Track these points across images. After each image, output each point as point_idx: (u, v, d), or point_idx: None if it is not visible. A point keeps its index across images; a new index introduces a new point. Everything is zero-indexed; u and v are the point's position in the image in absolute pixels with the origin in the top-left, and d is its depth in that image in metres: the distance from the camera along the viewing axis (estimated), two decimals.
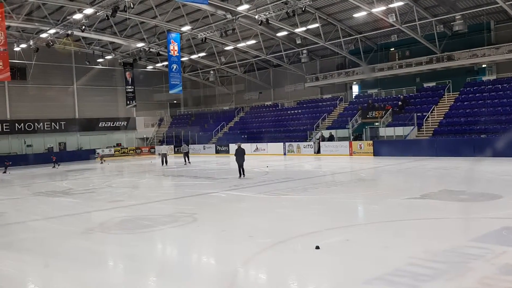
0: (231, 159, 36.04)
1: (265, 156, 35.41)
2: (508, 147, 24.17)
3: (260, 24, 32.59)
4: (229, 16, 33.45)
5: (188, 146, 35.37)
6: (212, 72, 48.92)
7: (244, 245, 8.29)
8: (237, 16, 33.35)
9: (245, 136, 42.32)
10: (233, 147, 40.95)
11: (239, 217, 11.46)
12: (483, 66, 33.85)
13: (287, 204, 13.01)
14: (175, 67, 38.57)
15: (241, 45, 40.05)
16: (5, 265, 7.96)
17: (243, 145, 21.73)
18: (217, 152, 42.64)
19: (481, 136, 27.29)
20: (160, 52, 42.25)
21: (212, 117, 51.82)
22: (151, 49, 41.53)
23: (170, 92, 40.07)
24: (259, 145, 38.79)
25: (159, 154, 36.39)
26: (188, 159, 32.26)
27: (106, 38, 40.48)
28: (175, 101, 55.95)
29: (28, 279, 7.25)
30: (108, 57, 45.45)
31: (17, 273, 7.53)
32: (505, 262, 6.48)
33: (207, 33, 36.26)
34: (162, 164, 30.83)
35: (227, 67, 47.18)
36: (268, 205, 12.90)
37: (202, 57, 44.81)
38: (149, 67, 50.21)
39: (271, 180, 18.61)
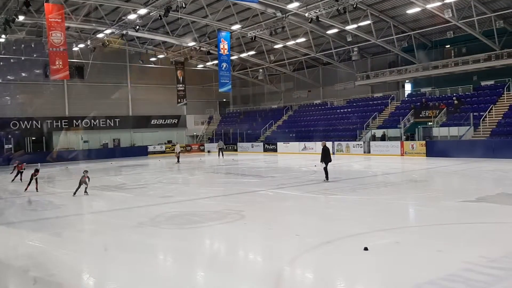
0: (279, 158, 36.18)
1: (313, 155, 35.13)
2: None
3: (310, 22, 32.33)
4: (278, 14, 33.39)
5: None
6: (261, 70, 49.08)
7: (291, 244, 8.27)
8: (286, 14, 33.23)
9: (293, 135, 42.17)
10: (281, 145, 41.01)
11: (286, 215, 11.43)
12: None
13: (335, 204, 12.85)
14: (224, 65, 39.00)
15: (290, 43, 39.90)
16: (65, 254, 8.36)
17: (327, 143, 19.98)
18: (265, 150, 42.75)
19: None
20: (211, 51, 42.87)
21: (261, 115, 51.98)
22: (201, 48, 42.22)
23: (220, 90, 40.57)
24: (308, 144, 38.55)
25: (217, 148, 40.18)
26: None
27: (158, 37, 41.57)
28: (224, 100, 56.61)
29: (85, 268, 7.58)
30: (161, 56, 46.66)
31: (76, 262, 7.88)
32: None
33: (257, 31, 36.39)
34: (219, 156, 36.28)
35: (276, 65, 47.17)
36: (316, 205, 12.79)
37: (251, 56, 45.03)
38: (200, 66, 51.08)
39: (319, 179, 18.42)
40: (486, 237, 8.35)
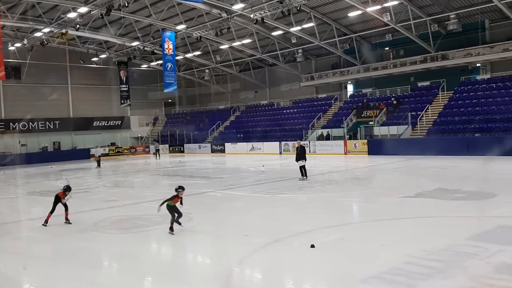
0: (227, 158, 36.13)
1: (260, 156, 35.39)
2: (502, 146, 24.28)
3: (255, 23, 32.55)
4: (224, 15, 33.38)
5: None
6: (207, 70, 48.84)
7: (240, 244, 8.27)
8: (232, 15, 33.29)
9: (241, 136, 42.27)
10: (229, 146, 40.99)
11: (235, 216, 11.43)
12: (478, 65, 33.94)
13: (283, 203, 13.00)
14: (169, 65, 38.48)
15: (236, 44, 40.00)
16: (2, 264, 7.90)
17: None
18: (213, 151, 42.56)
19: (475, 135, 27.40)
20: (155, 51, 42.13)
21: (208, 116, 51.71)
22: (145, 48, 41.38)
23: (165, 91, 40.00)
24: (255, 144, 38.77)
25: (153, 151, 41.38)
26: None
27: (100, 37, 40.32)
28: (169, 100, 55.78)
29: (23, 279, 7.19)
30: (103, 56, 45.26)
31: (13, 272, 7.47)
32: (501, 261, 6.49)
33: (202, 31, 36.18)
34: (156, 158, 37.51)
35: (222, 66, 47.11)
36: (264, 204, 12.88)
37: (197, 56, 44.71)
38: (144, 66, 50.05)
39: (267, 179, 18.59)
40: (426, 231, 8.75)
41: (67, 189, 10.59)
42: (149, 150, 46.70)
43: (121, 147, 47.81)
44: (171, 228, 9.18)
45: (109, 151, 45.84)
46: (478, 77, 33.75)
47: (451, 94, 32.82)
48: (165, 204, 9.24)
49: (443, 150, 26.00)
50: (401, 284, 5.78)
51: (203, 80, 51.77)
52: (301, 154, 17.51)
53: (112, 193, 17.20)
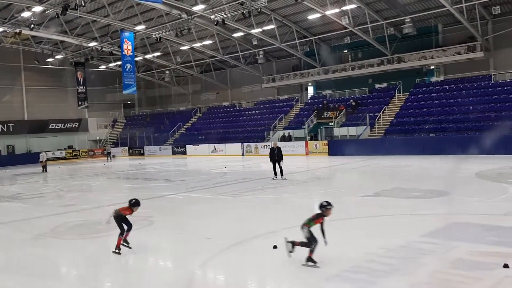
0: (189, 160, 35.82)
1: (223, 157, 35.30)
2: (455, 146, 25.26)
3: (216, 25, 32.45)
4: (184, 15, 33.10)
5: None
6: (167, 72, 48.28)
7: (202, 247, 8.21)
8: (192, 16, 33.06)
9: (203, 137, 42.05)
10: (190, 148, 40.64)
11: (197, 219, 11.34)
12: (432, 67, 35.23)
13: (245, 205, 13.01)
14: (129, 66, 37.78)
15: (197, 45, 39.74)
16: None
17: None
18: (174, 153, 42.11)
19: (430, 135, 28.38)
20: (113, 52, 41.21)
21: (168, 117, 51.11)
22: (103, 48, 40.43)
23: (124, 92, 39.23)
24: (217, 146, 38.64)
25: (107, 153, 41.32)
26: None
27: (56, 37, 39.05)
28: (129, 102, 54.77)
29: None
30: (59, 56, 43.90)
31: None
32: (456, 257, 6.75)
33: (162, 32, 35.73)
34: (107, 160, 37.95)
35: (183, 67, 46.68)
36: (226, 206, 12.85)
37: (157, 57, 44.12)
38: (102, 67, 48.87)
39: (229, 181, 18.56)
40: (385, 229, 8.98)
41: (136, 203, 8.10)
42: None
43: (79, 150, 46.51)
44: (310, 259, 6.68)
45: (66, 154, 44.52)
46: (432, 79, 35.03)
47: (407, 96, 33.87)
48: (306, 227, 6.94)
49: (400, 150, 26.78)
50: (362, 282, 5.90)
51: (163, 82, 51.13)
52: (279, 155, 17.86)
53: (69, 197, 16.70)
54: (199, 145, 40.33)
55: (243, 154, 36.40)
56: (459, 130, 27.62)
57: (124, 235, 8.03)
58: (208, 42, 39.14)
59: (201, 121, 47.23)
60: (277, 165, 17.94)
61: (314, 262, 6.63)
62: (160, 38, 36.53)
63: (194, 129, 45.70)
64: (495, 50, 31.98)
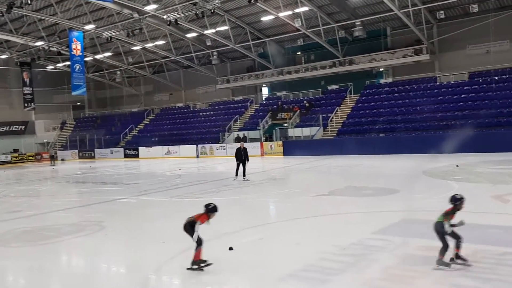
0: (142, 163, 35.11)
1: (177, 159, 34.88)
2: (404, 145, 26.20)
3: (169, 25, 32.05)
4: (136, 15, 32.46)
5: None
6: (118, 72, 47.16)
7: (156, 251, 8.05)
8: (144, 16, 32.48)
9: (156, 139, 41.37)
10: (143, 150, 39.86)
11: (150, 223, 11.11)
12: (381, 69, 36.37)
13: (201, 207, 12.86)
14: (78, 67, 36.62)
15: (149, 45, 39.08)
16: None
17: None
18: (126, 156, 41.16)
19: (380, 135, 29.27)
20: (62, 52, 39.80)
21: (120, 119, 49.92)
22: (51, 48, 38.96)
23: (73, 93, 38.03)
24: (171, 147, 38.13)
25: (50, 156, 40.24)
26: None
27: (0, 36, 37.27)
28: (78, 103, 53.05)
29: None
30: (3, 56, 41.87)
31: None
32: (406, 252, 6.97)
33: (113, 32, 34.88)
34: (51, 164, 36.83)
35: (135, 67, 45.76)
36: (181, 209, 12.66)
37: (108, 57, 43.02)
38: (50, 67, 47.06)
39: (184, 183, 18.35)
40: (338, 227, 9.15)
41: (214, 209, 6.99)
42: (56, 157, 44.09)
43: (25, 154, 44.56)
44: (457, 257, 6.11)
45: (11, 158, 42.54)
46: (382, 81, 36.16)
47: (358, 97, 34.77)
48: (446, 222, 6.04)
49: (352, 150, 27.44)
50: (315, 280, 5.97)
51: (114, 82, 49.92)
52: (245, 156, 17.90)
53: (15, 203, 15.93)
54: (152, 147, 39.64)
55: (197, 156, 36.11)
56: (407, 130, 28.64)
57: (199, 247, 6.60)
58: (160, 42, 38.59)
59: (154, 123, 46.45)
60: (241, 165, 17.91)
61: (464, 260, 6.09)
62: (111, 38, 35.65)
63: (147, 131, 44.88)
64: (440, 53, 33.44)
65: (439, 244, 6.05)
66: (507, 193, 11.66)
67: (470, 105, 28.32)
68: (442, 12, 30.68)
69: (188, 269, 6.48)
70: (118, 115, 51.28)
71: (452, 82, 31.65)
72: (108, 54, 41.74)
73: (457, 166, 18.31)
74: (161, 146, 38.97)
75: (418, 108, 30.23)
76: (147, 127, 46.06)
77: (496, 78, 29.27)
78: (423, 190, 13.37)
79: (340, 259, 6.79)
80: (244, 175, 17.81)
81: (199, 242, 6.54)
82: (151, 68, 46.43)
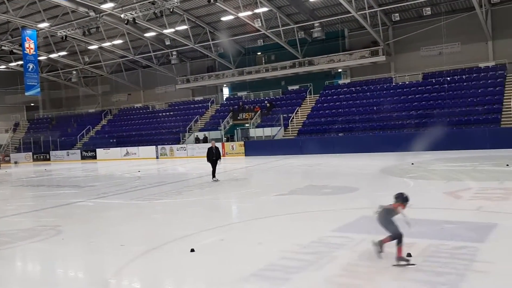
0: (100, 165, 34.26)
1: (136, 161, 34.27)
2: (362, 145, 26.81)
3: (126, 24, 31.47)
4: (92, 13, 31.67)
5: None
6: (74, 72, 45.86)
7: (115, 254, 7.88)
8: (101, 14, 31.74)
9: (114, 140, 40.49)
10: (101, 152, 38.92)
11: (109, 226, 10.87)
12: (339, 70, 37.07)
13: (161, 209, 12.71)
14: (31, 66, 35.30)
15: (106, 44, 38.21)
16: None
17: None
18: (83, 158, 40.08)
19: (339, 134, 29.84)
20: (14, 51, 38.26)
21: (76, 120, 48.55)
22: (3, 47, 37.36)
23: (26, 93, 36.63)
24: (130, 149, 37.42)
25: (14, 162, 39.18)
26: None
27: None
28: (32, 104, 51.18)
29: None
30: None
31: None
32: (364, 249, 7.12)
33: (68, 30, 33.90)
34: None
35: (91, 67, 44.61)
36: (141, 211, 12.46)
37: (63, 56, 41.74)
38: (1, 67, 45.13)
39: (143, 185, 18.05)
40: (299, 226, 9.25)
41: (407, 198, 6.46)
42: (9, 159, 42.35)
43: None
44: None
45: None
46: (340, 82, 36.88)
47: (318, 97, 35.32)
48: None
49: (312, 149, 27.86)
50: (276, 279, 6.02)
51: (70, 82, 48.49)
52: (217, 155, 17.52)
53: None
54: (111, 148, 38.78)
55: (157, 157, 35.63)
56: (365, 129, 29.34)
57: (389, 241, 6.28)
58: (118, 41, 37.82)
59: (112, 124, 45.44)
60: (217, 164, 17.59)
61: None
62: (66, 36, 34.63)
63: (104, 132, 43.85)
64: (395, 55, 34.46)
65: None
66: (459, 189, 12.15)
67: (424, 105, 29.34)
68: (397, 14, 31.66)
69: (394, 265, 6.11)
70: (74, 116, 49.85)
71: (407, 82, 32.67)
72: (63, 53, 40.51)
73: (412, 164, 18.92)
74: (119, 148, 38.18)
75: (375, 108, 31.03)
76: (104, 128, 44.99)
77: (448, 78, 30.47)
78: (381, 188, 13.74)
79: (301, 257, 6.87)
80: (213, 176, 17.51)
81: (399, 236, 6.17)
82: (108, 68, 45.40)
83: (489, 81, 29.05)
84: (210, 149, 17.83)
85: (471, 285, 5.47)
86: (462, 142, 23.68)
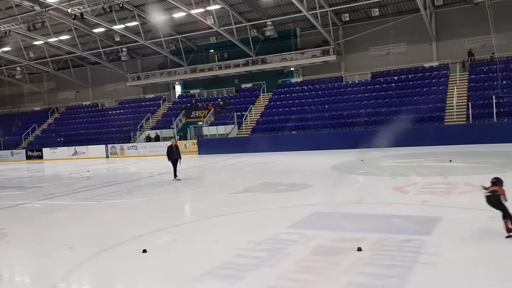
0: (46, 165, 32.93)
1: (85, 160, 33.24)
2: (314, 142, 27.30)
3: (74, 19, 30.41)
4: (37, 8, 30.36)
5: None
6: (18, 68, 43.80)
7: (64, 257, 7.61)
8: (46, 9, 30.50)
9: (62, 139, 39.06)
10: (47, 151, 37.42)
11: (57, 228, 10.47)
12: (292, 69, 37.53)
13: (111, 210, 12.40)
14: None
15: (52, 40, 36.77)
16: None
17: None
18: (29, 158, 38.40)
19: (292, 132, 30.22)
20: None
21: (21, 118, 46.42)
22: None
23: None
24: (78, 148, 36.23)
25: None
26: None
27: None
28: None
29: None
30: None
31: None
32: (317, 244, 7.27)
33: (12, 25, 32.31)
34: None
35: (37, 63, 42.77)
36: (90, 213, 12.09)
37: (6, 52, 39.79)
38: None
39: (93, 185, 17.53)
40: (253, 224, 9.30)
41: (502, 181, 7.13)
42: None
43: None
44: None
45: None
46: (293, 80, 37.33)
47: (271, 96, 35.59)
48: None
49: (266, 147, 28.03)
50: (231, 277, 6.02)
51: (14, 79, 46.26)
52: (177, 153, 17.03)
53: None
54: (58, 148, 37.39)
55: (107, 156, 34.70)
56: (317, 127, 29.88)
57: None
58: (65, 37, 36.49)
59: (59, 122, 43.82)
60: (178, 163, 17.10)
61: None
62: (10, 31, 32.99)
63: (51, 131, 42.21)
64: (345, 54, 35.29)
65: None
66: (406, 184, 12.63)
67: (373, 104, 30.24)
68: (347, 15, 32.40)
69: (507, 237, 6.79)
70: (18, 114, 47.65)
71: (357, 81, 33.54)
72: (6, 48, 38.64)
73: (362, 160, 19.48)
74: (67, 147, 36.87)
75: (326, 106, 31.66)
76: (51, 127, 43.31)
77: (395, 78, 31.57)
78: (333, 184, 14.06)
79: (256, 255, 6.91)
80: (176, 175, 17.03)
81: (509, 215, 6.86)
82: (55, 64, 43.69)
83: (433, 81, 30.35)
84: (170, 148, 17.31)
85: (418, 276, 5.70)
86: (409, 140, 24.56)
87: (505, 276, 5.58)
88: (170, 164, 17.45)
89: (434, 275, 5.70)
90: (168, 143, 30.85)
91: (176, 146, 17.50)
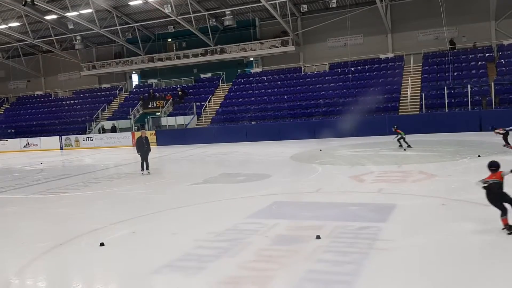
0: None
1: (38, 152, 32.06)
2: (273, 132, 27.48)
3: (24, 5, 29.08)
4: None
5: None
6: None
7: (17, 253, 7.35)
8: None
9: (12, 131, 37.48)
10: None
11: (9, 223, 10.08)
12: (251, 59, 37.50)
13: (67, 203, 12.04)
14: None
15: (1, 27, 35.06)
16: None
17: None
18: None
19: (252, 123, 30.29)
20: None
21: None
22: None
23: None
24: (30, 140, 34.88)
25: None
26: None
27: None
28: None
29: None
30: None
31: None
32: (276, 233, 7.35)
33: None
34: None
35: None
36: (44, 206, 11.71)
37: None
38: None
39: (47, 178, 16.96)
40: (213, 214, 9.29)
41: (498, 164, 6.68)
42: None
43: None
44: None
45: None
46: (252, 70, 37.34)
47: (230, 86, 35.47)
48: None
49: (226, 138, 28.01)
50: (191, 269, 6.00)
51: None
52: (147, 145, 16.25)
53: None
54: (8, 140, 35.86)
55: (61, 148, 33.61)
56: (276, 117, 30.08)
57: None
58: (15, 24, 34.87)
59: (10, 113, 42.02)
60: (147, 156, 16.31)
61: None
62: None
63: (1, 122, 40.40)
64: (304, 45, 35.58)
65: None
66: (362, 173, 12.95)
67: (331, 94, 30.71)
68: (306, 5, 32.64)
69: (509, 233, 6.42)
70: None
71: (315, 72, 33.93)
72: None
73: (320, 150, 19.79)
74: (18, 139, 35.42)
75: (285, 97, 31.89)
76: (0, 118, 41.45)
77: (353, 69, 32.17)
78: (292, 174, 14.23)
79: (216, 245, 6.92)
80: (147, 168, 16.17)
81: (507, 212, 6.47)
82: (4, 53, 41.74)
83: (389, 72, 31.14)
84: (139, 139, 16.50)
85: (374, 262, 5.89)
86: (366, 129, 25.16)
87: (456, 260, 5.84)
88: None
89: (389, 261, 5.90)
90: (127, 134, 30.08)
91: (146, 138, 16.69)
